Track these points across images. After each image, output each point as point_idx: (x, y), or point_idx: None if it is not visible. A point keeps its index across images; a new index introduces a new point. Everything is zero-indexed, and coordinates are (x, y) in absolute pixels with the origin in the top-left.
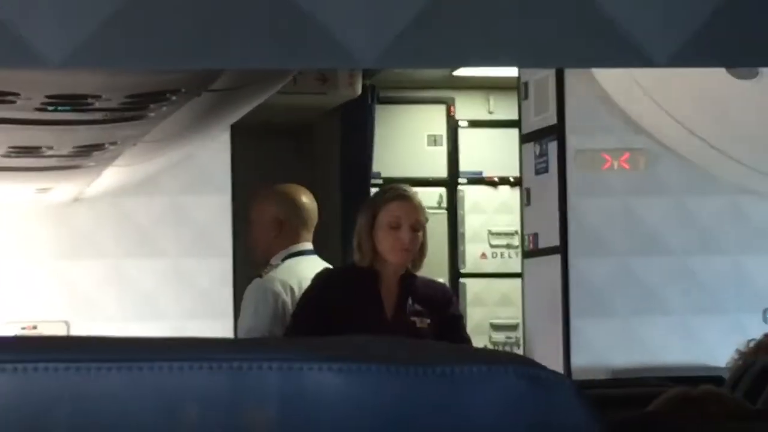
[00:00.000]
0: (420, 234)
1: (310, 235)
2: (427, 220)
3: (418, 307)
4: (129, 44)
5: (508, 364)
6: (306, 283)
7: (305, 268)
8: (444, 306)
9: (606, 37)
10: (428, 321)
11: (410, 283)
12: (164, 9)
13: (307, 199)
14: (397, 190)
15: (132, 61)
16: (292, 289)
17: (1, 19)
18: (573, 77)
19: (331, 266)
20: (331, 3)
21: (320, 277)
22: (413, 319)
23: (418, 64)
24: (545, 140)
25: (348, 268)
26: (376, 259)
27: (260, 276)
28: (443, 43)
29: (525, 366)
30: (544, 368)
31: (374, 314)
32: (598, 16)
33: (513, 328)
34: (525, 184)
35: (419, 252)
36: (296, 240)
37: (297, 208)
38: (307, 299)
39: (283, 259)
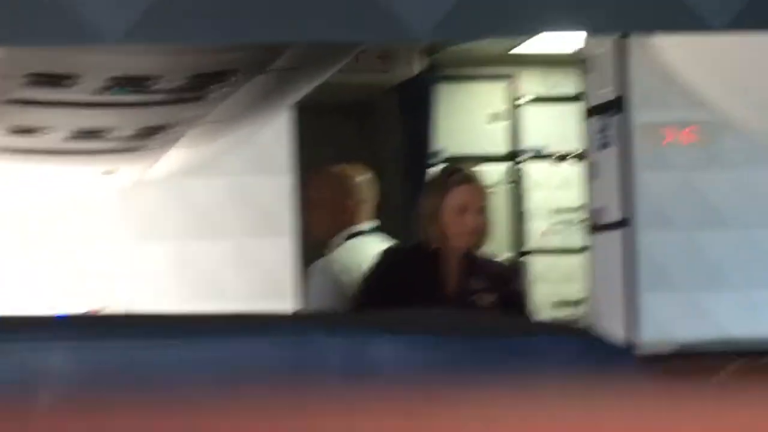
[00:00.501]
0: (485, 217)
1: (369, 214)
2: (491, 197)
3: (480, 284)
4: (186, 20)
5: (571, 334)
6: (366, 263)
7: (365, 248)
8: (506, 282)
9: (667, 2)
10: (491, 299)
11: (473, 261)
12: None
13: (362, 178)
14: (462, 173)
15: (189, 36)
16: (351, 270)
17: None
18: (635, 51)
19: (395, 244)
20: None
21: (385, 255)
22: (476, 296)
23: (477, 36)
24: (608, 114)
25: (413, 247)
26: (442, 239)
27: (323, 256)
28: (501, 13)
29: (587, 336)
30: (606, 338)
31: (437, 292)
32: None
33: (577, 304)
34: (589, 159)
35: (483, 233)
36: (353, 220)
37: (351, 188)
38: (372, 276)
39: (346, 239)
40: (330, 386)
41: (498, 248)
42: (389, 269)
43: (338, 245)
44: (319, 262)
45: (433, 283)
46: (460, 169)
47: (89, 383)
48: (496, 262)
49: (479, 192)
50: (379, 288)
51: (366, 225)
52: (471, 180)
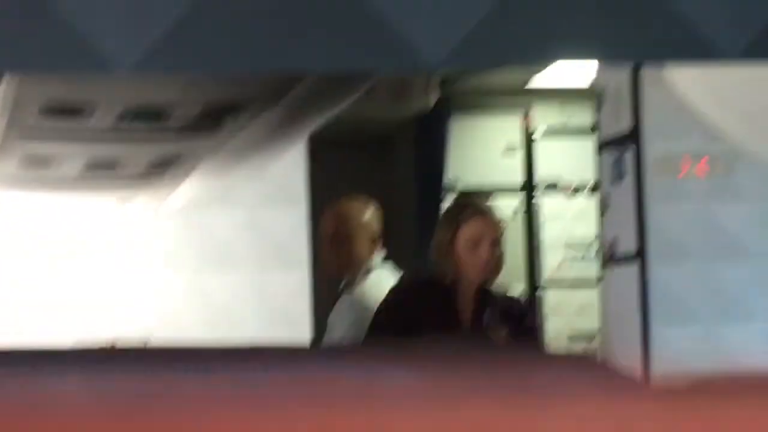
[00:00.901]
0: (499, 250)
1: (378, 247)
2: (505, 230)
3: (495, 319)
4: (199, 49)
5: (587, 368)
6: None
7: (383, 282)
8: (520, 318)
9: (680, 32)
10: (505, 333)
11: (486, 295)
12: (234, 13)
13: (369, 211)
14: (476, 206)
15: (202, 65)
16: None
17: (71, 24)
18: (649, 83)
19: (408, 278)
20: (401, 6)
21: (398, 290)
22: (490, 330)
23: (490, 65)
24: (622, 147)
25: (426, 280)
26: (455, 272)
27: (339, 289)
28: (513, 43)
29: (603, 371)
30: (623, 373)
31: (451, 327)
32: (671, 11)
33: (592, 337)
34: (602, 192)
35: (496, 266)
36: (366, 255)
37: (359, 223)
38: (385, 310)
39: (365, 274)
40: (344, 418)
41: (513, 281)
42: (403, 303)
43: (361, 280)
44: (347, 298)
45: (447, 317)
46: (473, 202)
47: (104, 415)
48: (510, 297)
49: (493, 225)
50: (393, 321)
51: (379, 258)
52: (484, 213)
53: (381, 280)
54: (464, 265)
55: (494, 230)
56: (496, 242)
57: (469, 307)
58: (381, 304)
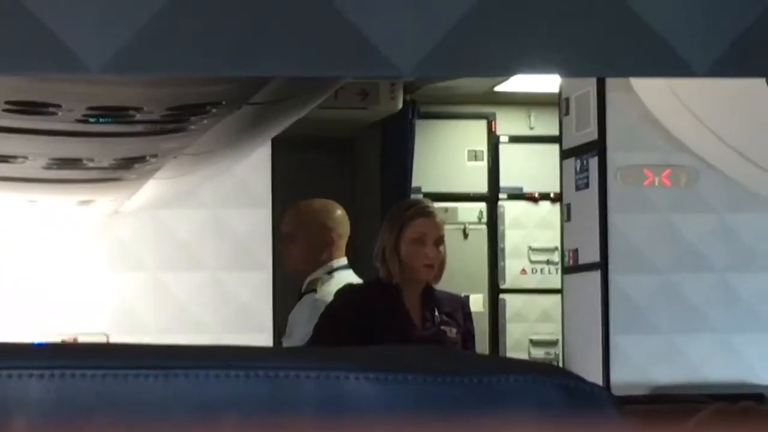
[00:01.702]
0: (442, 249)
1: (342, 250)
2: (445, 230)
3: (445, 317)
4: (168, 51)
5: (546, 375)
6: None
7: (352, 279)
8: (465, 318)
9: (647, 45)
10: (455, 330)
11: (432, 295)
12: (204, 15)
13: (338, 213)
14: (420, 205)
15: (171, 67)
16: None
17: (43, 23)
18: (614, 93)
19: (354, 282)
20: (371, 12)
21: (343, 293)
22: (443, 328)
23: (456, 73)
24: (586, 156)
25: (371, 283)
26: (400, 273)
27: (314, 291)
28: (482, 53)
29: (563, 377)
30: (582, 380)
31: (403, 327)
32: (638, 24)
33: (553, 344)
34: (565, 200)
35: (441, 264)
36: (330, 256)
37: (327, 223)
38: (330, 315)
39: (327, 274)
40: (303, 423)
41: (475, 287)
42: (351, 305)
43: (323, 281)
44: (307, 298)
45: (398, 318)
46: (417, 203)
47: (61, 412)
48: (453, 295)
49: (436, 224)
50: (340, 324)
51: (342, 260)
52: (428, 213)
53: (342, 281)
54: (410, 265)
55: (438, 229)
56: (440, 241)
57: (417, 307)
58: (327, 307)
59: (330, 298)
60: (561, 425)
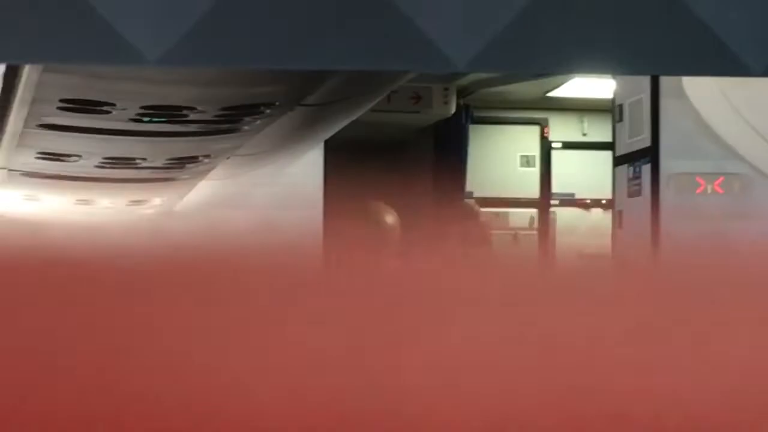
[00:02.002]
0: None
1: (395, 253)
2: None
3: None
4: (223, 44)
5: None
6: None
7: None
8: None
9: (703, 44)
10: None
11: None
12: (259, 9)
13: (392, 216)
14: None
15: (226, 60)
16: None
17: (100, 14)
18: (667, 100)
19: None
20: (426, 6)
21: None
22: None
23: (511, 69)
24: (639, 163)
25: None
26: None
27: None
28: (537, 50)
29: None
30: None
31: None
32: (694, 23)
33: None
34: (617, 207)
35: None
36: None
37: (383, 225)
38: None
39: None
40: None
41: None
42: None
43: None
44: None
45: None
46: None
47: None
48: None
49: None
50: None
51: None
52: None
53: None
54: None
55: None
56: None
57: None
58: None
59: None
60: None
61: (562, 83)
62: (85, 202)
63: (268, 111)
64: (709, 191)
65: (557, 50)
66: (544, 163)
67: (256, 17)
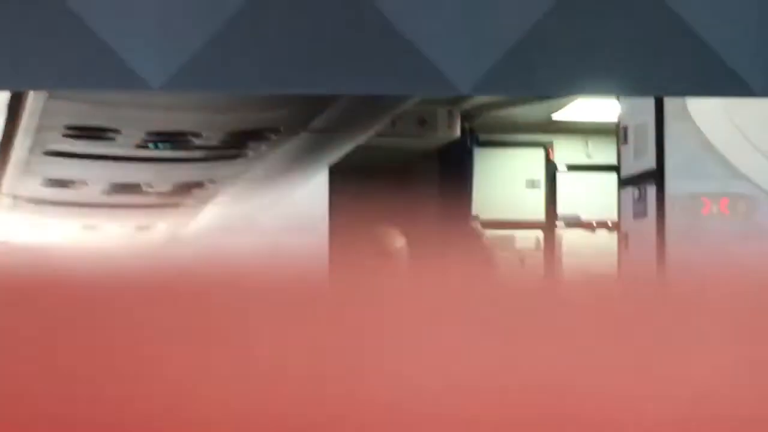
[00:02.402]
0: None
1: None
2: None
3: None
4: (226, 70)
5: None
6: None
7: None
8: None
9: (706, 66)
10: None
11: None
12: (262, 36)
13: (400, 241)
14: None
15: (229, 85)
16: None
17: (104, 41)
18: (672, 122)
19: None
20: (430, 32)
21: None
22: None
23: (515, 93)
24: (644, 184)
25: None
26: None
27: None
28: (540, 73)
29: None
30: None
31: None
32: (698, 45)
33: None
34: (623, 228)
35: None
36: None
37: (390, 251)
38: None
39: None
40: None
41: None
42: None
43: None
44: None
45: None
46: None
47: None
48: None
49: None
50: None
51: None
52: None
53: None
54: None
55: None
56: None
57: None
58: None
59: None
60: None
61: (567, 106)
62: (92, 227)
63: (273, 136)
64: (715, 212)
65: (560, 73)
66: (549, 185)
67: (259, 43)
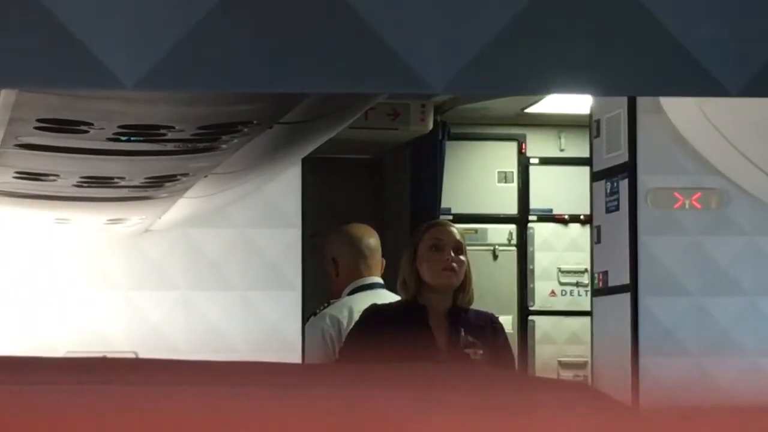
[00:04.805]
0: (463, 258)
1: (373, 270)
2: (465, 240)
3: (470, 339)
4: (201, 68)
5: (576, 393)
6: (358, 315)
7: (364, 301)
8: (495, 334)
9: (680, 65)
10: (481, 352)
11: (459, 315)
12: (236, 33)
13: (364, 235)
14: (434, 221)
15: (202, 84)
16: (339, 322)
17: (78, 40)
18: (645, 115)
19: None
20: (403, 29)
21: (367, 313)
22: (467, 351)
23: (488, 92)
24: (616, 178)
25: (395, 303)
26: (422, 294)
27: (315, 314)
28: (513, 72)
29: (593, 396)
30: (611, 399)
31: (427, 348)
32: (673, 44)
33: (582, 366)
34: (595, 222)
35: (465, 283)
36: (356, 276)
37: (352, 245)
38: (354, 335)
39: (348, 294)
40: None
41: (504, 308)
42: (375, 324)
43: (335, 302)
44: (311, 320)
45: (422, 338)
46: (432, 221)
47: (92, 425)
48: (479, 312)
49: (453, 233)
50: (366, 342)
51: (369, 279)
52: (444, 224)
53: (357, 300)
54: (428, 274)
55: (455, 237)
56: (460, 248)
57: (443, 327)
58: (354, 326)
59: (321, 320)
60: None
61: (540, 99)
62: (64, 220)
63: (245, 129)
64: (687, 206)
65: (533, 71)
66: (521, 178)
67: (231, 41)
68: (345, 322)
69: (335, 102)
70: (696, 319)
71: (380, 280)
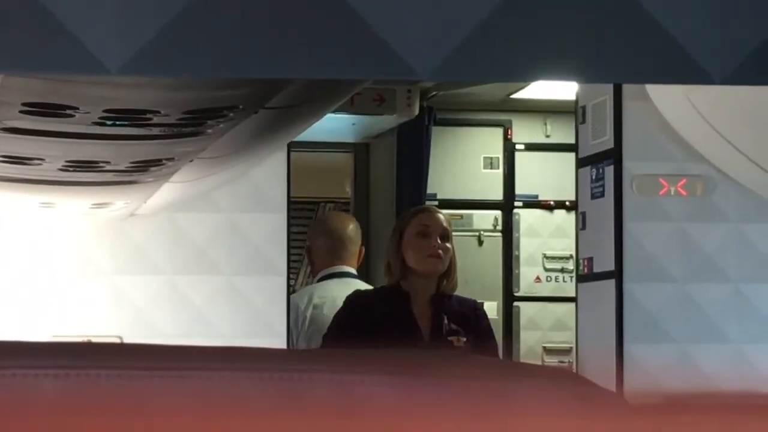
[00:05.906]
0: (449, 245)
1: (346, 260)
2: (451, 227)
3: (453, 326)
4: (186, 53)
5: (560, 379)
6: (324, 300)
7: (328, 289)
8: (478, 320)
9: (666, 52)
10: (464, 339)
11: (443, 302)
12: (223, 18)
13: (338, 224)
14: (421, 206)
15: (189, 69)
16: (297, 306)
17: (62, 23)
18: (631, 102)
19: (365, 288)
20: (389, 15)
21: (351, 299)
22: (450, 338)
23: (475, 78)
24: (602, 164)
25: (379, 289)
26: (407, 279)
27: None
28: (500, 58)
29: (577, 382)
30: (595, 385)
31: (410, 335)
32: (658, 31)
33: (566, 352)
34: (581, 208)
35: (449, 269)
36: (327, 264)
37: (326, 235)
38: (338, 321)
39: (318, 281)
40: (315, 424)
41: (489, 294)
42: (359, 310)
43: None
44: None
45: (404, 324)
46: (419, 206)
47: (78, 410)
48: (463, 298)
49: (439, 219)
50: (350, 328)
51: (338, 268)
52: (430, 210)
53: (325, 287)
54: (414, 260)
55: (441, 223)
56: (446, 235)
57: (426, 314)
58: (338, 312)
59: (295, 298)
60: (574, 430)
61: (526, 85)
62: (49, 204)
63: (231, 114)
64: (672, 193)
65: (520, 58)
66: (507, 164)
67: (217, 27)
68: (303, 307)
69: (321, 87)
70: (680, 305)
71: (352, 270)
